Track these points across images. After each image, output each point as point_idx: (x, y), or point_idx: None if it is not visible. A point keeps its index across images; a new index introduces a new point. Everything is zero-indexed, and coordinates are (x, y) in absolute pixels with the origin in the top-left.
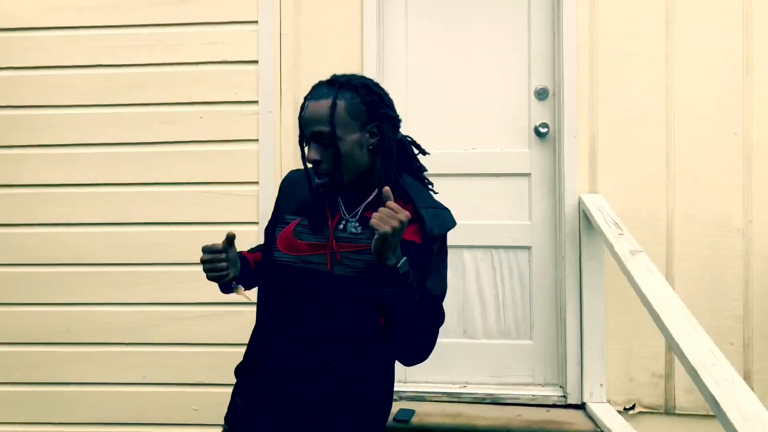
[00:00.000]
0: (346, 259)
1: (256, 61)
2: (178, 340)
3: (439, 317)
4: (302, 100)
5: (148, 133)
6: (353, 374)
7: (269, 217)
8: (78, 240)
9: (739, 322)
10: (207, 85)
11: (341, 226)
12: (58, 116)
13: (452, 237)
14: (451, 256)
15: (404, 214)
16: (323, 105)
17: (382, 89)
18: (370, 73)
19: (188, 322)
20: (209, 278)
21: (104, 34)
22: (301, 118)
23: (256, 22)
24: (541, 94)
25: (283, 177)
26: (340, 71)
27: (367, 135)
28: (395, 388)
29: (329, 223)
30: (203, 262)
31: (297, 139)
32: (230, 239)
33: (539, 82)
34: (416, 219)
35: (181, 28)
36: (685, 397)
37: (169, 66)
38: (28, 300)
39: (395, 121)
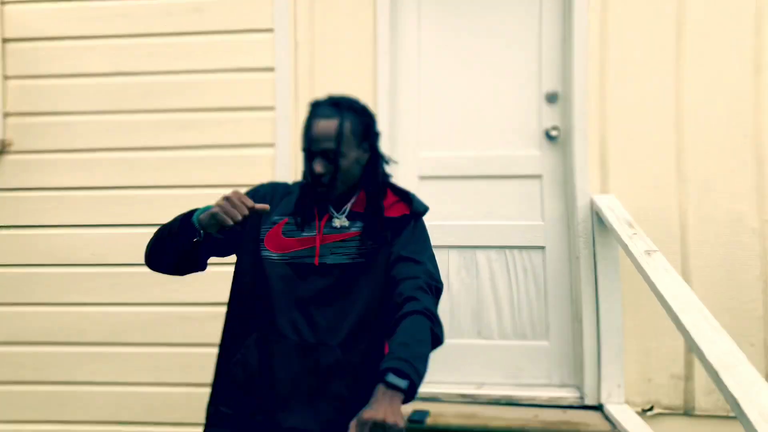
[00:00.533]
0: (337, 248)
1: (272, 68)
2: (190, 341)
3: (436, 292)
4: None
5: (167, 139)
6: (358, 369)
7: None
8: (93, 241)
9: (760, 323)
10: (224, 91)
11: (333, 223)
12: (77, 123)
13: (466, 237)
14: (465, 257)
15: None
16: (331, 125)
17: (371, 110)
18: (383, 78)
19: (199, 323)
20: (217, 216)
21: (123, 43)
22: (308, 134)
23: (272, 30)
24: (552, 98)
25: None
26: (354, 77)
27: (362, 151)
28: None
29: (317, 221)
30: (231, 201)
31: None
32: (260, 211)
33: (550, 86)
34: (401, 198)
35: (198, 37)
36: (704, 399)
37: (187, 73)
38: (43, 300)
39: (379, 137)
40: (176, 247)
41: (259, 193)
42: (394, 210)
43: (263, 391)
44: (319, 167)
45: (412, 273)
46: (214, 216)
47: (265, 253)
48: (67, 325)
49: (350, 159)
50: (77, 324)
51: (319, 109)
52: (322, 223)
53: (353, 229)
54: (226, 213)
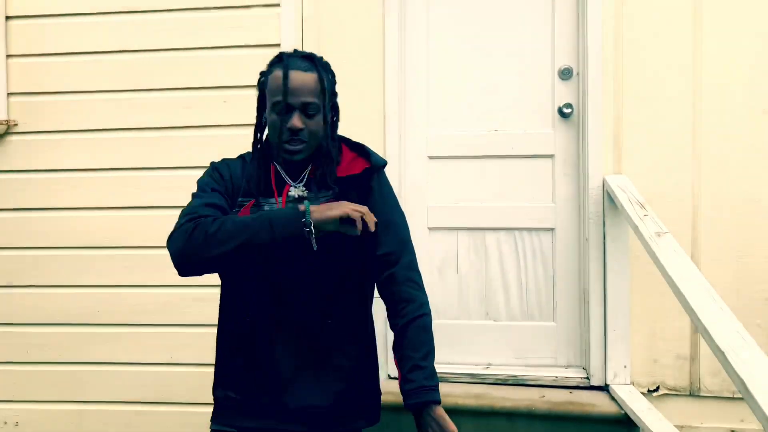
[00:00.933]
0: None
1: (278, 45)
2: (205, 321)
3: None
4: (271, 69)
5: (174, 118)
6: (355, 337)
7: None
8: (105, 224)
9: (767, 304)
10: (230, 69)
11: (292, 193)
12: (84, 102)
13: (475, 219)
14: (474, 239)
15: None
16: (311, 78)
17: None
18: (392, 55)
19: (214, 304)
20: (354, 221)
21: (128, 20)
22: (285, 86)
23: (279, 5)
24: (565, 73)
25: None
26: (361, 54)
27: (328, 111)
28: None
29: (276, 195)
30: (362, 213)
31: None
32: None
33: (563, 61)
34: (358, 153)
35: (204, 12)
36: (710, 380)
37: (193, 50)
38: (58, 282)
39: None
40: (258, 245)
41: (224, 176)
42: (354, 166)
43: (266, 374)
44: (298, 122)
45: (398, 252)
46: (346, 223)
47: None
48: (83, 306)
49: (326, 115)
50: (93, 305)
51: (291, 60)
52: (284, 197)
53: (313, 196)
54: (352, 226)
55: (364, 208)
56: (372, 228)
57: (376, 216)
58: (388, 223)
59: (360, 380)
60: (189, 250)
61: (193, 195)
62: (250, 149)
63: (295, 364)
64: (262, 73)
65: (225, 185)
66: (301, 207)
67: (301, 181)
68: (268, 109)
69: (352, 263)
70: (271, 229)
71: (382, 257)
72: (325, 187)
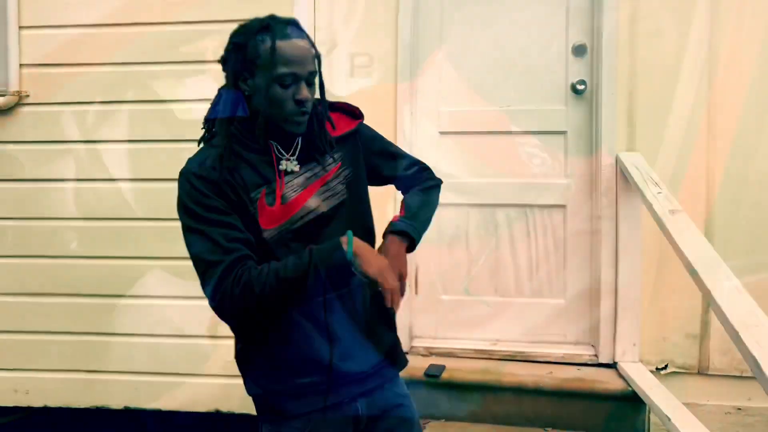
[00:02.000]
0: (324, 192)
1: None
2: None
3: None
4: (264, 38)
5: (183, 91)
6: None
7: None
8: (112, 196)
9: None
10: None
11: (283, 167)
12: (95, 74)
13: (486, 195)
14: (484, 215)
15: None
16: (306, 46)
17: None
18: (404, 30)
19: None
20: (385, 291)
21: None
22: (289, 56)
23: None
24: (579, 50)
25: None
26: (375, 27)
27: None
28: (426, 344)
29: (277, 176)
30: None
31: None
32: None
33: (577, 38)
34: (341, 111)
35: None
36: (719, 358)
37: (203, 24)
38: (67, 253)
39: None
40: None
41: (213, 189)
42: (343, 124)
43: (327, 352)
44: (307, 92)
45: (407, 163)
46: (376, 283)
47: (266, 233)
48: (91, 277)
49: (320, 82)
50: (102, 276)
51: (283, 27)
52: (283, 177)
53: (305, 171)
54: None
55: (397, 284)
56: (396, 308)
57: (381, 150)
58: (394, 151)
59: (395, 325)
60: (238, 312)
61: (193, 230)
62: None
63: (351, 334)
64: (238, 42)
65: (222, 194)
66: (343, 240)
67: (293, 154)
68: (263, 81)
69: (358, 213)
70: (320, 278)
71: (397, 172)
72: (320, 152)
